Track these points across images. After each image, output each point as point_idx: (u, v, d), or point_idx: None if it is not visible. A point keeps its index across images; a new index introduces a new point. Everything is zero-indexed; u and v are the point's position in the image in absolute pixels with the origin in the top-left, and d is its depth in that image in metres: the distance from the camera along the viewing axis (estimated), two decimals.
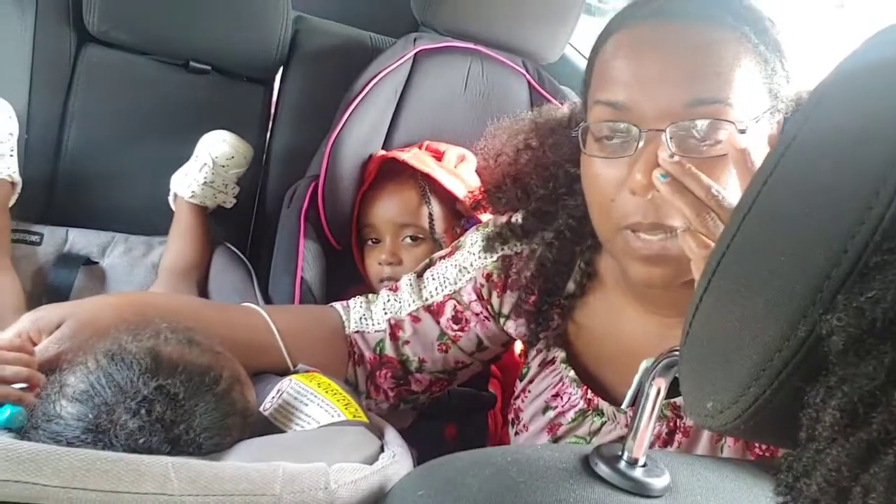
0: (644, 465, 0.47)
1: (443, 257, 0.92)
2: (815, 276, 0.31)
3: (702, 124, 0.64)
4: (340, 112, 1.21)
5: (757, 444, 0.68)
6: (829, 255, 0.30)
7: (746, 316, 0.33)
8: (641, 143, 0.65)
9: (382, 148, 1.25)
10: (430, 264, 0.92)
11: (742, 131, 0.64)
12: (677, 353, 0.47)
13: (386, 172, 1.20)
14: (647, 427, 0.48)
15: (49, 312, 0.72)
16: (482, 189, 0.91)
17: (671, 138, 0.64)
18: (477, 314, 0.88)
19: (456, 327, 0.88)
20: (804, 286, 0.31)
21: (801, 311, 0.31)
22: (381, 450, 0.61)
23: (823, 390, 0.30)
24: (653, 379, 0.47)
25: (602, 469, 0.46)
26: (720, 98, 0.64)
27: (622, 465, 0.47)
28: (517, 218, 0.86)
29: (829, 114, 0.34)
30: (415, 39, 1.27)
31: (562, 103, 1.12)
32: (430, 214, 1.16)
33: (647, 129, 0.65)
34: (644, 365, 0.66)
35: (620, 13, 0.72)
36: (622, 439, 0.77)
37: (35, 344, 0.69)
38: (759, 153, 0.64)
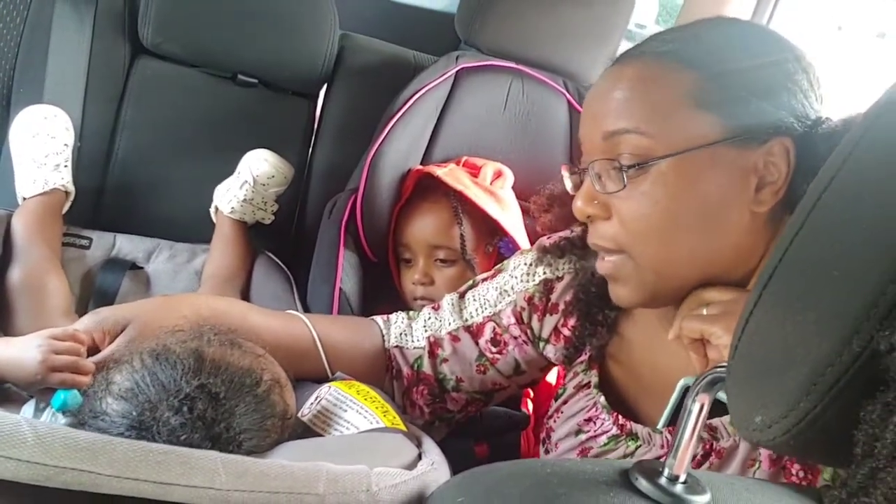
0: (685, 482, 0.47)
1: (485, 279, 0.92)
2: (869, 292, 0.30)
3: (621, 155, 0.67)
4: (381, 126, 1.23)
5: (793, 472, 0.67)
6: (884, 271, 0.30)
7: (798, 331, 0.33)
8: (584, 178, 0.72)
9: (421, 163, 1.26)
10: (473, 285, 0.92)
11: (662, 157, 0.65)
12: (720, 369, 0.46)
13: (422, 188, 1.21)
14: (690, 444, 0.47)
15: (113, 314, 0.73)
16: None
17: (596, 173, 0.69)
18: (515, 337, 0.87)
19: (494, 349, 0.88)
20: (859, 301, 0.31)
21: (855, 326, 0.31)
22: (419, 457, 0.61)
23: (881, 406, 0.29)
24: (696, 395, 0.47)
25: (642, 484, 0.46)
26: (630, 128, 0.66)
27: (663, 480, 0.46)
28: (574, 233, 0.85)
29: (887, 132, 0.34)
30: (457, 57, 1.29)
31: None
32: (462, 235, 1.16)
33: (581, 167, 0.72)
34: (681, 383, 0.66)
35: None
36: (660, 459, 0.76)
37: (97, 343, 0.71)
38: (715, 179, 0.65)
